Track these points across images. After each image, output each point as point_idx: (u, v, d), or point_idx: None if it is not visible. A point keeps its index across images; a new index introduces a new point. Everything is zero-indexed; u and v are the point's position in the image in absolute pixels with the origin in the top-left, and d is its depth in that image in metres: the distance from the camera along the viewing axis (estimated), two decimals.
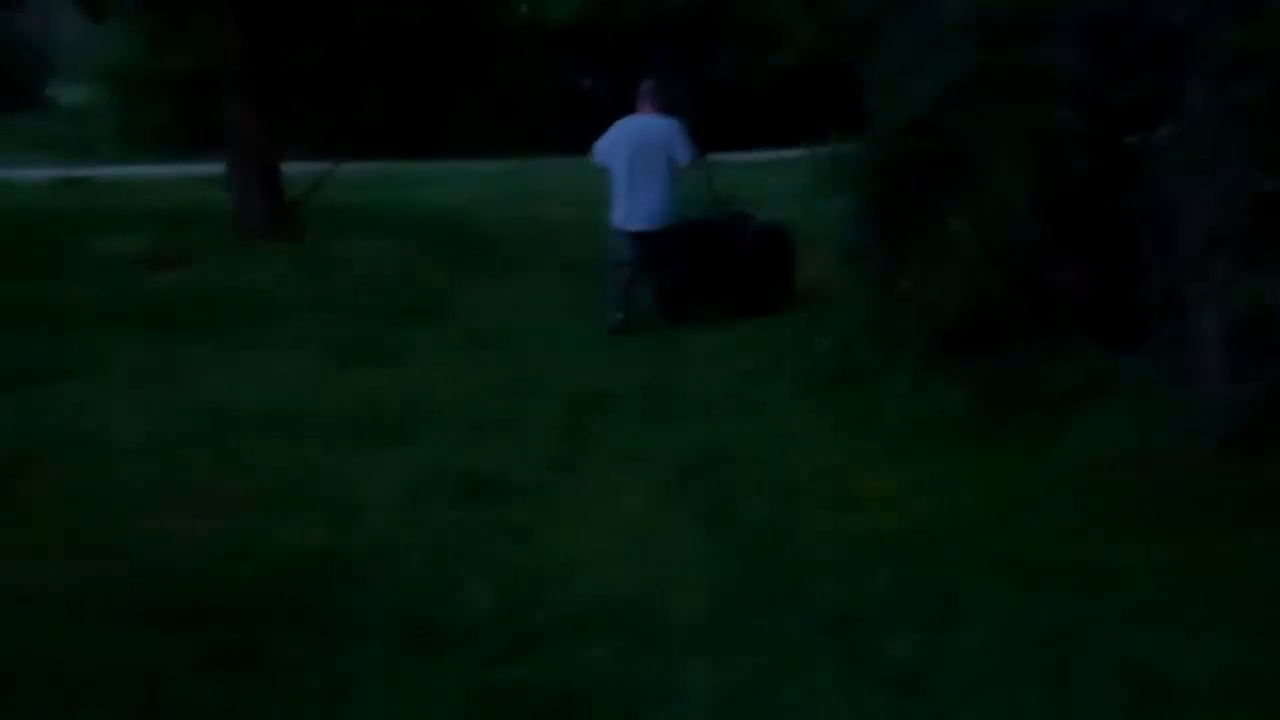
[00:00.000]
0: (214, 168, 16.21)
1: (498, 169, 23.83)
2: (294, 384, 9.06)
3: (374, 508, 6.57)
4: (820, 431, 7.96)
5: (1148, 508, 6.37)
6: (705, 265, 11.36)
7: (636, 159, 10.82)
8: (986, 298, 8.48)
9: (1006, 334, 8.40)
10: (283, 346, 10.06)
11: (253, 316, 11.04)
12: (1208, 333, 7.29)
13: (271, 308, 11.29)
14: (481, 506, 6.61)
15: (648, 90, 11.11)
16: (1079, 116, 8.30)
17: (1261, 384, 6.96)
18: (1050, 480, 6.85)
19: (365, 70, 24.96)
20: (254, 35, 14.24)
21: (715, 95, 28.55)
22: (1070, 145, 8.25)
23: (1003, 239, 8.54)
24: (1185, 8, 7.63)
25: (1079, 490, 6.67)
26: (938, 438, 7.65)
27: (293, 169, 15.19)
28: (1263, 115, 7.18)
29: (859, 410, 8.23)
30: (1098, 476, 6.82)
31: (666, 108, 11.00)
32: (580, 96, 30.56)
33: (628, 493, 6.84)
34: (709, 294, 11.39)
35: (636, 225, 10.99)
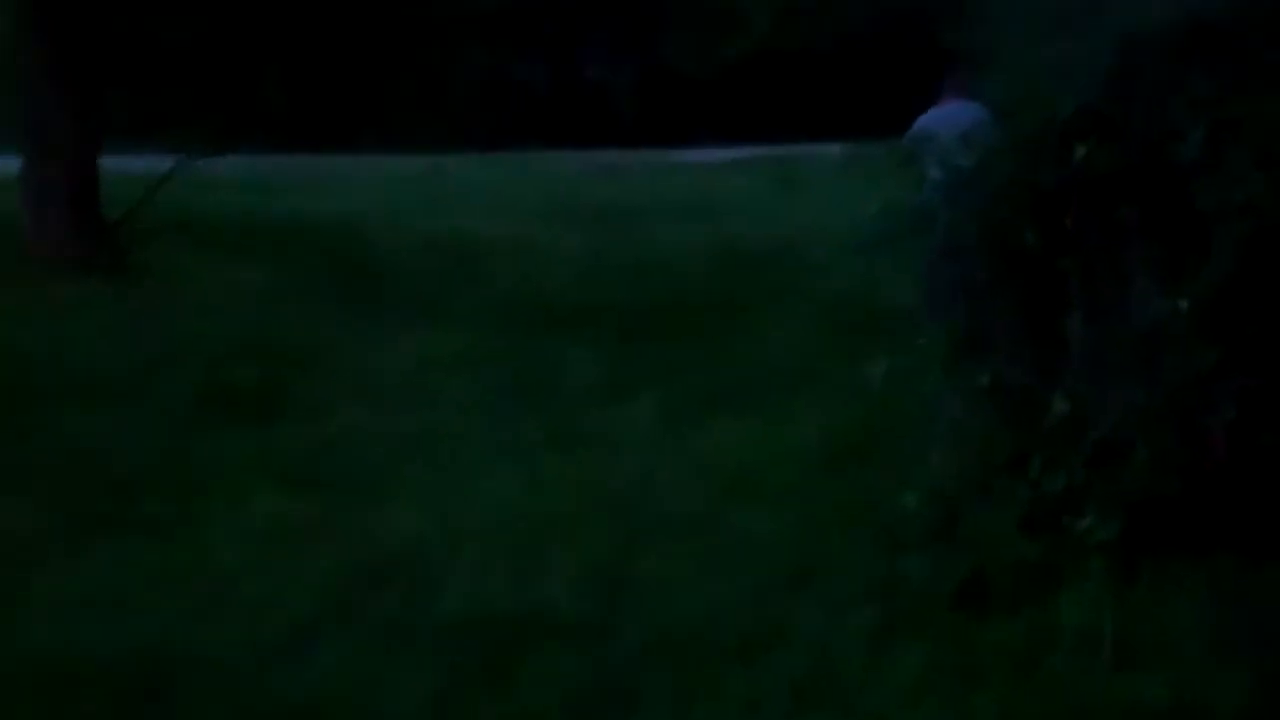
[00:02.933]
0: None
1: (417, 168, 19.54)
2: None
3: None
4: None
5: None
6: None
7: None
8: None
9: None
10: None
11: None
12: None
13: (29, 396, 7.09)
14: None
15: (955, 76, 9.40)
16: None
17: None
18: None
19: (263, 48, 20.51)
20: None
21: (662, 84, 24.54)
22: None
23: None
24: None
25: None
26: None
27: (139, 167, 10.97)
28: None
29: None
30: None
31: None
32: (511, 85, 26.31)
33: None
34: None
35: None
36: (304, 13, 17.10)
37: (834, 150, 23.47)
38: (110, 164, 11.22)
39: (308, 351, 8.41)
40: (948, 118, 8.79)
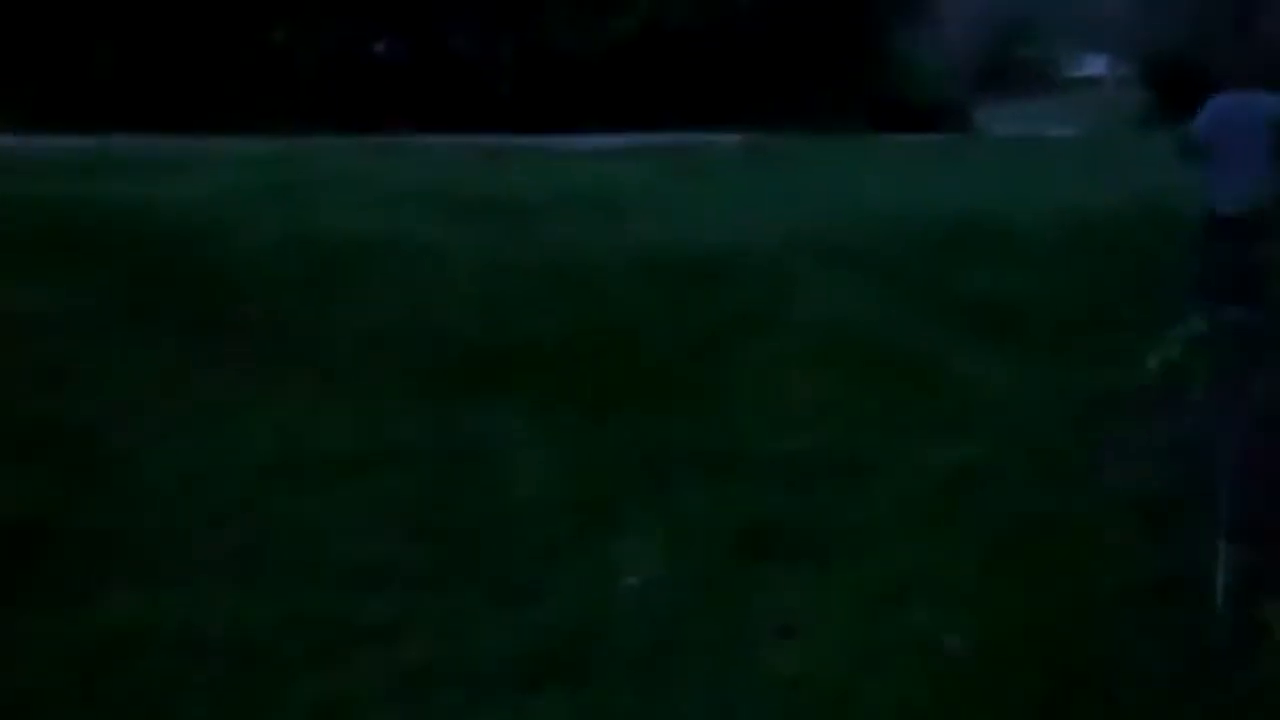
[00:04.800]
0: None
1: (266, 151, 16.38)
2: None
3: None
4: None
5: None
6: None
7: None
8: None
9: None
10: None
11: None
12: None
13: None
14: None
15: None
16: None
17: None
18: None
19: (90, 12, 17.41)
20: None
21: (541, 63, 21.68)
22: None
23: None
24: None
25: None
26: None
27: None
28: None
29: None
30: None
31: None
32: (372, 63, 23.17)
33: None
34: None
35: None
36: None
37: (731, 139, 21.05)
38: None
39: (90, 423, 5.52)
40: (1242, 104, 8.72)
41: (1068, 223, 12.25)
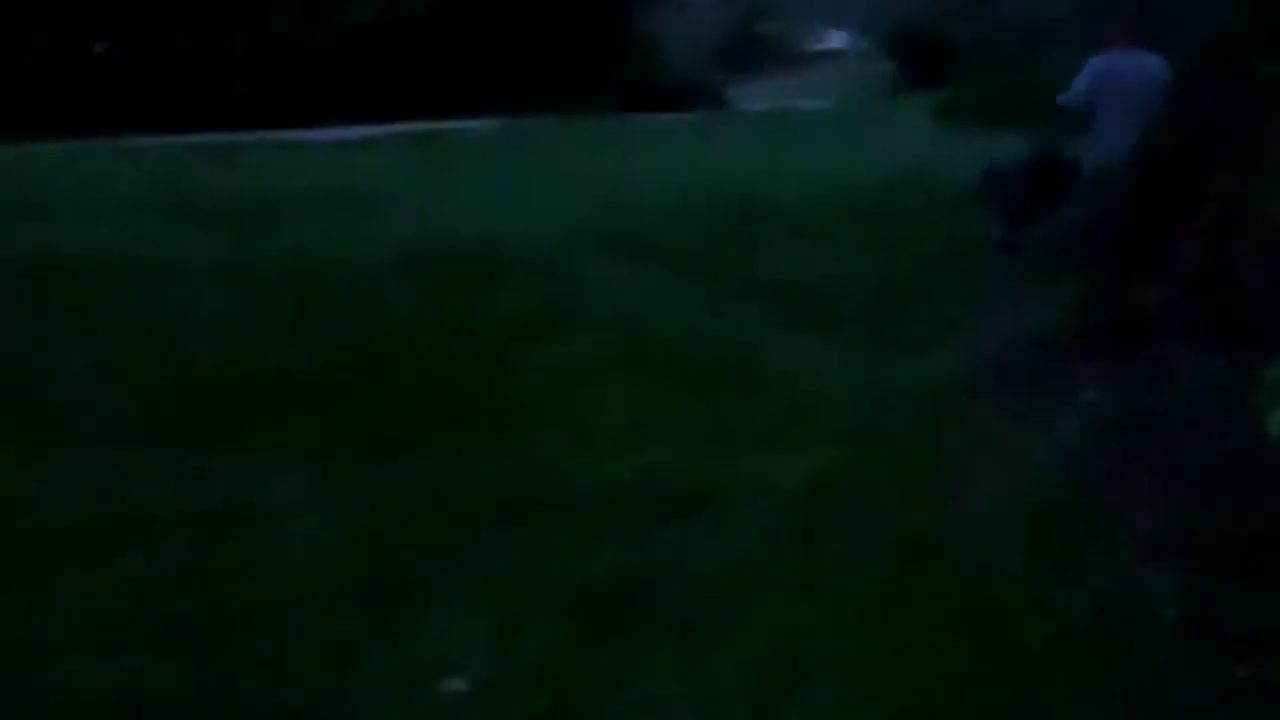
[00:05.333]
0: None
1: None
2: None
3: None
4: None
5: None
6: None
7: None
8: None
9: None
10: None
11: None
12: None
13: None
14: None
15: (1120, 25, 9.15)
16: None
17: None
18: None
19: None
20: None
21: (275, 55, 20.27)
22: None
23: None
24: None
25: None
26: None
27: None
28: None
29: None
30: None
31: None
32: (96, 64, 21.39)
33: None
34: None
35: None
36: None
37: (483, 125, 20.01)
38: None
39: None
40: (1126, 63, 8.65)
41: (841, 198, 11.63)
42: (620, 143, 18.11)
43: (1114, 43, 8.99)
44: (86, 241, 9.19)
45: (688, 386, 5.95)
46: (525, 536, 4.22)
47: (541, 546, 4.16)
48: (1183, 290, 5.03)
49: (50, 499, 4.70)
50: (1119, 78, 8.85)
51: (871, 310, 7.59)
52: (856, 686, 3.29)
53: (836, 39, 38.13)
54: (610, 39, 24.43)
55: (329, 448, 5.07)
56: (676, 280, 8.44)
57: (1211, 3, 7.03)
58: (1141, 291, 5.82)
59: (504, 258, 9.24)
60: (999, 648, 3.46)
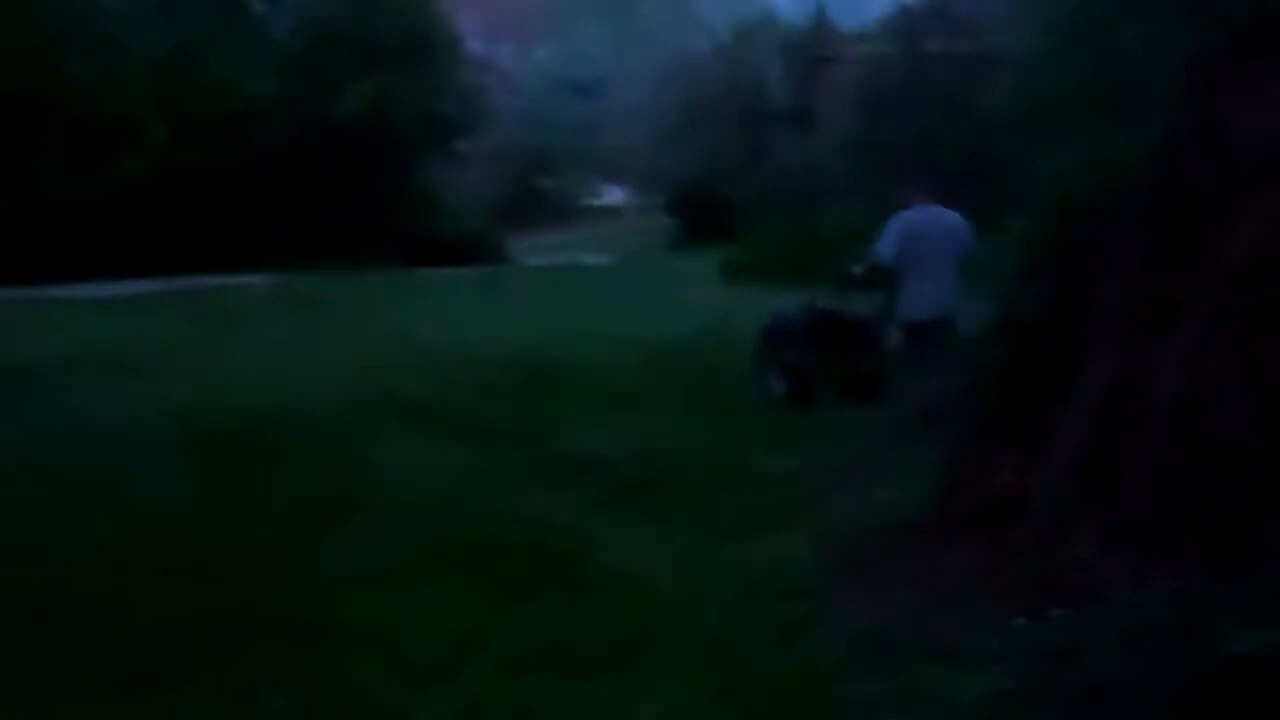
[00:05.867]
0: None
1: None
2: None
3: None
4: None
5: None
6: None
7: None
8: None
9: None
10: None
11: None
12: None
13: None
14: None
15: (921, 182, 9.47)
16: None
17: None
18: None
19: None
20: None
21: (39, 216, 19.05)
22: None
23: None
24: None
25: None
26: None
27: None
28: None
29: None
30: None
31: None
32: None
33: None
34: None
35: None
36: None
37: (261, 281, 18.92)
38: None
39: None
40: (932, 219, 8.89)
41: (638, 359, 11.09)
42: (402, 299, 17.33)
43: (916, 200, 9.04)
44: None
45: (510, 591, 5.15)
46: None
47: None
48: (1069, 480, 4.49)
49: None
50: (927, 233, 8.91)
51: (696, 487, 6.93)
52: None
53: (613, 194, 38.11)
54: (389, 192, 23.77)
55: (88, 688, 4.11)
56: (478, 455, 7.68)
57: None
58: (1007, 473, 5.31)
59: (289, 429, 8.39)
60: None
